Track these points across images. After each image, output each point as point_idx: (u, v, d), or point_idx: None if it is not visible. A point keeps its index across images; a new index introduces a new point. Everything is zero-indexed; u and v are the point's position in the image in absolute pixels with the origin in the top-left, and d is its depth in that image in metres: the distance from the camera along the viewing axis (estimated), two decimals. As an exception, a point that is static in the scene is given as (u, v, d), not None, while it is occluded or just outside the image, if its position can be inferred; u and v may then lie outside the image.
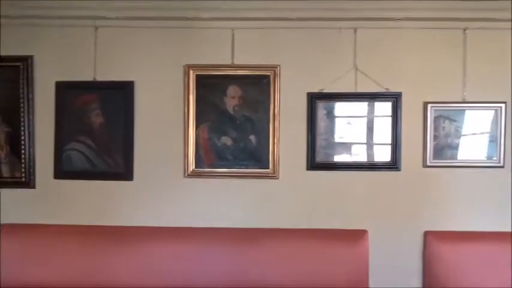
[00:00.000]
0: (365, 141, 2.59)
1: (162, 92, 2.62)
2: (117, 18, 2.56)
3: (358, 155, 2.60)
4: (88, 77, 2.61)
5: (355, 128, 2.58)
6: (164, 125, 2.62)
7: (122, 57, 2.62)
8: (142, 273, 2.53)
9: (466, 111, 2.56)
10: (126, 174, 2.58)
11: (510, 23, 2.53)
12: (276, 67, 2.55)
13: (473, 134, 2.57)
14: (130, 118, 2.58)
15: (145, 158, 2.62)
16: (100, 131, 2.59)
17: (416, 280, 2.58)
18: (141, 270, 2.54)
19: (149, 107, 2.62)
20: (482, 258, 2.51)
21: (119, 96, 2.58)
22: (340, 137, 2.58)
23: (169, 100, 2.61)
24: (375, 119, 2.58)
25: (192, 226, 2.59)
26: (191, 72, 2.55)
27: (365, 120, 2.59)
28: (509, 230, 2.55)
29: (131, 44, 2.62)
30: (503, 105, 2.55)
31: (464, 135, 2.57)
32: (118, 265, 2.54)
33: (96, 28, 2.60)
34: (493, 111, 2.55)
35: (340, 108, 2.59)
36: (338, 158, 2.60)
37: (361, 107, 2.58)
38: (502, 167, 2.56)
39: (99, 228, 2.61)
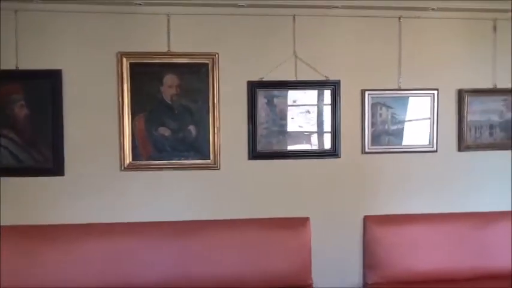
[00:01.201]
0: (305, 129, 2.60)
1: (93, 81, 2.46)
2: (39, 2, 2.35)
3: (299, 143, 2.60)
4: (9, 66, 2.40)
5: (295, 117, 2.58)
6: (97, 116, 2.47)
7: (47, 43, 2.43)
8: (79, 273, 2.40)
9: (402, 98, 2.64)
10: (56, 169, 2.42)
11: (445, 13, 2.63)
12: (215, 55, 2.48)
13: (409, 120, 2.65)
14: (59, 109, 2.41)
15: (77, 151, 2.46)
16: (25, 124, 2.40)
17: (357, 263, 2.66)
18: (77, 269, 2.41)
19: (80, 97, 2.45)
20: (418, 240, 2.63)
21: (45, 86, 2.39)
22: (281, 126, 2.57)
23: (102, 90, 2.46)
24: (315, 107, 2.60)
25: (131, 221, 2.49)
26: (124, 60, 2.41)
27: (305, 108, 2.59)
28: (443, 212, 2.69)
29: (58, 30, 2.43)
30: (435, 92, 2.65)
31: (400, 121, 2.65)
32: (52, 265, 2.40)
33: (16, 11, 2.38)
34: (427, 98, 2.66)
35: (281, 96, 2.58)
36: (279, 147, 2.58)
37: (301, 95, 2.58)
38: (436, 151, 2.67)
39: (29, 227, 2.44)
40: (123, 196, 2.51)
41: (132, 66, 2.43)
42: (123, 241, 2.46)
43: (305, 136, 2.61)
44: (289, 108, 2.58)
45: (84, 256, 2.41)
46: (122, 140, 2.44)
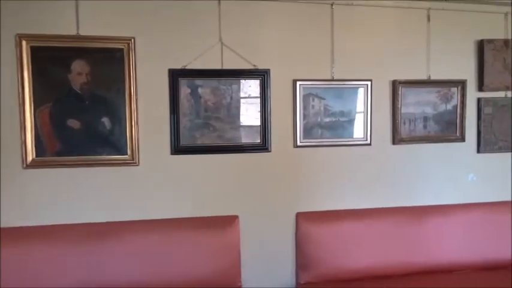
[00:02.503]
0: (233, 122, 2.43)
1: (-13, 67, 2.18)
2: None
3: (226, 136, 2.42)
4: None
5: (222, 108, 2.40)
6: (-8, 107, 2.20)
7: None
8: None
9: (335, 89, 2.52)
10: None
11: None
12: (130, 40, 2.24)
13: (342, 111, 2.55)
14: None
15: (-31, 147, 2.18)
16: None
17: (290, 263, 2.52)
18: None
19: (-30, 86, 2.17)
20: (352, 236, 2.52)
21: None
22: (206, 118, 2.39)
23: (-1, 77, 2.19)
24: (244, 97, 2.43)
25: (39, 224, 2.23)
26: (24, 43, 2.13)
27: (232, 99, 2.42)
28: (377, 207, 2.60)
29: None
30: (369, 83, 2.55)
31: (333, 113, 2.53)
32: None
33: None
34: (361, 89, 2.56)
35: (206, 86, 2.39)
36: (204, 141, 2.39)
37: (228, 84, 2.41)
38: (369, 144, 2.58)
39: None
40: (27, 197, 2.23)
41: (34, 50, 2.15)
42: (28, 247, 2.19)
43: (233, 129, 2.44)
44: (215, 98, 2.40)
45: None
46: (23, 134, 2.17)
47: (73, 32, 2.20)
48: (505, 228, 2.68)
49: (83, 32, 2.21)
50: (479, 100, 2.72)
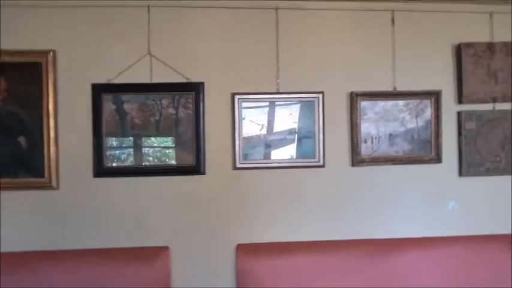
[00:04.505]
0: (163, 141, 2.18)
1: None
2: None
3: (156, 157, 2.18)
4: None
5: (150, 126, 2.17)
6: None
7: None
8: None
9: (280, 104, 2.22)
10: None
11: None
12: (49, 53, 2.09)
13: (289, 128, 2.24)
14: None
15: None
16: None
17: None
18: None
19: None
20: (300, 272, 2.17)
21: None
22: (133, 137, 2.17)
23: None
24: (174, 114, 2.17)
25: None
26: None
27: (162, 115, 2.18)
28: (331, 239, 2.22)
29: None
30: (320, 95, 2.23)
31: (278, 131, 2.24)
32: None
33: None
34: (311, 102, 2.24)
35: (133, 102, 2.16)
36: (131, 162, 2.15)
37: (158, 99, 2.18)
38: (323, 166, 2.24)
39: None
40: None
41: None
42: None
43: (163, 149, 2.20)
44: (143, 115, 2.17)
45: None
46: None
47: (-13, 47, 2.09)
48: (495, 267, 2.22)
49: (3, 46, 2.09)
50: (459, 114, 2.33)
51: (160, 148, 2.17)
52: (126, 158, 2.16)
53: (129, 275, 2.12)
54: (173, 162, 2.17)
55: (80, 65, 2.14)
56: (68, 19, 2.13)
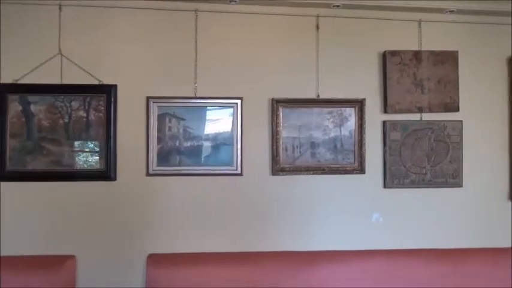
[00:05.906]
0: (72, 145, 2.06)
1: None
2: None
3: (64, 161, 2.06)
4: None
5: (59, 128, 2.05)
6: None
7: None
8: None
9: (198, 109, 2.13)
10: None
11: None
12: (-50, 50, 2.01)
13: (206, 134, 2.15)
14: None
15: None
16: None
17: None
18: None
19: None
20: (214, 284, 2.10)
21: None
22: (40, 139, 2.04)
23: None
24: (84, 117, 2.07)
25: None
26: None
27: (71, 118, 2.08)
28: (248, 250, 2.14)
29: None
30: (238, 101, 2.16)
31: (195, 137, 2.14)
32: None
33: None
34: (229, 108, 2.17)
35: (41, 103, 2.05)
36: (37, 166, 2.03)
37: (67, 101, 2.06)
38: (240, 174, 2.15)
39: None
40: None
41: None
42: None
43: (71, 152, 2.09)
44: (52, 117, 2.07)
45: None
46: None
47: None
48: (416, 282, 2.16)
49: None
50: (384, 123, 2.27)
51: (68, 152, 2.08)
52: (31, 161, 2.05)
53: (33, 283, 2.01)
54: (82, 166, 2.08)
55: (-15, 64, 2.05)
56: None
